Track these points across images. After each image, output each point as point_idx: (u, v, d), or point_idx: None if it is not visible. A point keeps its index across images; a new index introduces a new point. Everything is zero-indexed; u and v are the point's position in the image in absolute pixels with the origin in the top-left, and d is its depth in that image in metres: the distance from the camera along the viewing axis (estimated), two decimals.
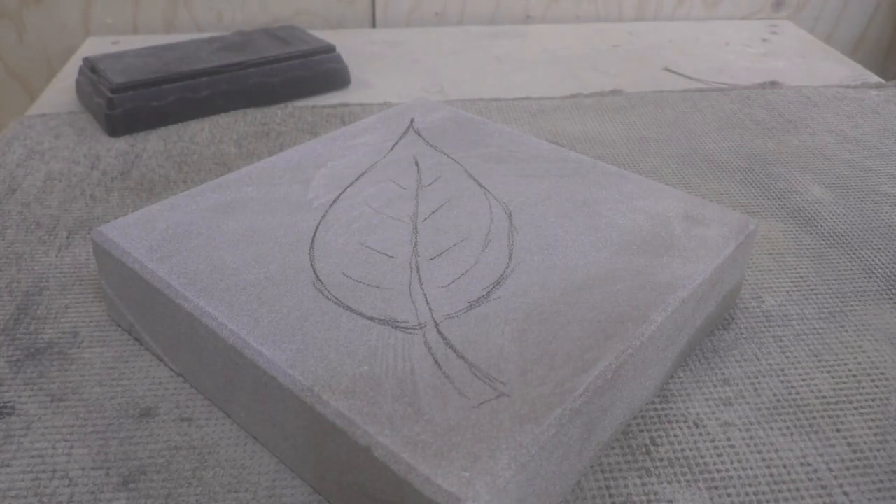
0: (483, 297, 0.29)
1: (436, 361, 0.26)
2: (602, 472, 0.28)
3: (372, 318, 0.28)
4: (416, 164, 0.39)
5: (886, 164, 0.52)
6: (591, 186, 0.38)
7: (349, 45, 0.75)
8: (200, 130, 0.57)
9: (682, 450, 0.29)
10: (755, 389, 0.33)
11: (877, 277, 0.40)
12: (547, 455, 0.24)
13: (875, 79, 0.69)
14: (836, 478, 0.28)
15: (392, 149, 0.41)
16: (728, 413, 0.31)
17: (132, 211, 0.45)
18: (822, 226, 0.45)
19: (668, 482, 0.28)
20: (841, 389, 0.33)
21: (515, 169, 0.39)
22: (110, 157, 0.52)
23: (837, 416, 0.31)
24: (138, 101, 0.55)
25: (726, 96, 0.64)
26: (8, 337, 0.35)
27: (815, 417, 0.31)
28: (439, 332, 0.27)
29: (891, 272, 0.41)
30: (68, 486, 0.28)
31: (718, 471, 0.28)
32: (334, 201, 0.36)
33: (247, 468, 0.28)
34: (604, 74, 0.69)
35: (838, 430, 0.31)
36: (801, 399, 0.32)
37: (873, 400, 0.32)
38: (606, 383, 0.26)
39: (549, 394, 0.25)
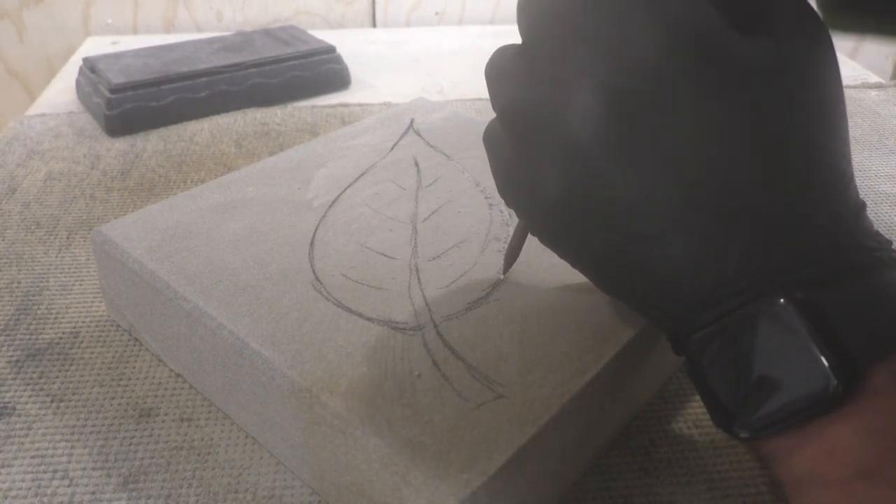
0: (482, 298, 0.29)
1: (434, 363, 0.26)
2: (602, 472, 0.28)
3: (371, 319, 0.28)
4: (416, 164, 0.39)
5: (886, 165, 0.53)
6: None
7: (349, 45, 0.75)
8: (200, 130, 0.57)
9: (682, 450, 0.29)
10: None
11: None
12: (546, 457, 0.24)
13: (875, 79, 0.69)
14: None
15: (392, 149, 0.41)
16: None
17: (132, 211, 0.45)
18: None
19: (668, 482, 0.28)
20: None
21: None
22: (110, 157, 0.52)
23: None
24: (137, 102, 0.56)
25: None
26: (8, 337, 0.35)
27: None
28: (438, 334, 0.27)
29: None
30: (69, 486, 0.28)
31: (718, 471, 0.28)
32: (334, 202, 0.36)
33: (247, 469, 0.28)
34: None
35: None
36: None
37: None
38: (605, 385, 0.26)
39: (548, 395, 0.25)
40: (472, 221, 0.34)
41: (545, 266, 0.31)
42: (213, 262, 0.31)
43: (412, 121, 0.44)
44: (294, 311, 0.29)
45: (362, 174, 0.38)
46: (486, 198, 0.36)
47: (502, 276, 0.30)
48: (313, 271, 0.31)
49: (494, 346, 0.27)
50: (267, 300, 0.29)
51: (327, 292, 0.30)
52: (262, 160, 0.40)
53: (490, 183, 0.37)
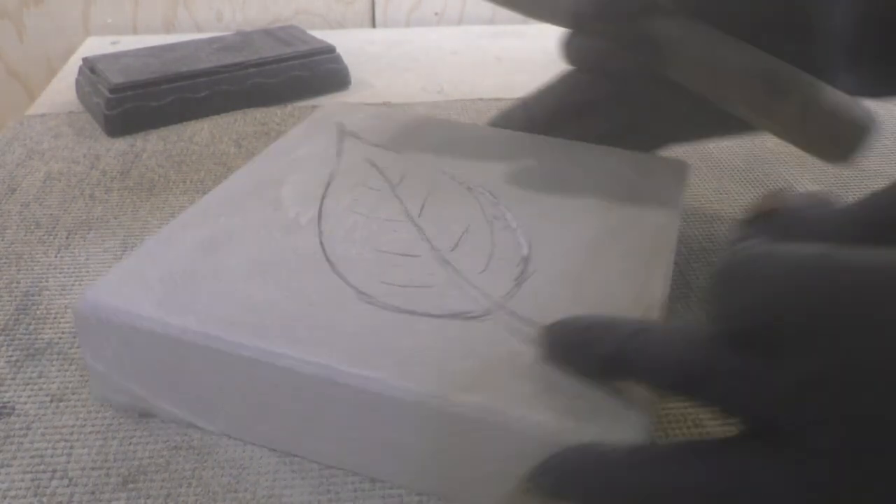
0: (522, 273, 0.30)
1: (523, 338, 0.27)
2: None
3: (441, 316, 0.28)
4: (374, 165, 0.39)
5: (885, 165, 0.52)
6: (544, 156, 0.40)
7: (349, 45, 0.75)
8: (200, 130, 0.57)
9: None
10: None
11: None
12: None
13: None
14: None
15: (338, 155, 0.40)
16: None
17: (132, 211, 0.45)
18: None
19: None
20: None
21: (469, 152, 0.40)
22: (110, 157, 0.52)
23: None
24: (137, 102, 0.56)
25: None
26: (8, 337, 0.35)
27: None
28: (511, 313, 0.28)
29: None
30: (68, 486, 0.28)
31: None
32: (319, 216, 0.34)
33: (246, 468, 0.28)
34: None
35: None
36: None
37: None
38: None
39: None
40: (463, 207, 0.35)
41: (554, 232, 0.33)
42: (242, 302, 0.28)
43: (342, 124, 0.43)
44: (365, 328, 0.27)
45: (328, 185, 0.37)
46: (459, 183, 0.37)
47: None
48: (349, 285, 0.29)
49: (562, 308, 0.27)
50: (326, 325, 0.27)
51: (382, 302, 0.28)
52: (208, 192, 0.36)
53: (455, 165, 0.38)
